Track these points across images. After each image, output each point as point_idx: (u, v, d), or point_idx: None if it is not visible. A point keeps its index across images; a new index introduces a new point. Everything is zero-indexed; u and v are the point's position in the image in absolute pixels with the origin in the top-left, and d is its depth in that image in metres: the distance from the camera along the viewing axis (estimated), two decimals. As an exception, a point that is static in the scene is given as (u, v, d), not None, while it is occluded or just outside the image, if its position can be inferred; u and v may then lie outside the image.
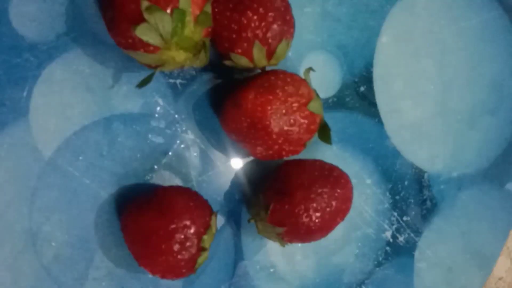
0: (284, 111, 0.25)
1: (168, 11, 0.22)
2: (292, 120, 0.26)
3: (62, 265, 0.27)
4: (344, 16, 0.32)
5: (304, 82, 0.27)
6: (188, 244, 0.24)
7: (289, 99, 0.26)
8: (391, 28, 0.33)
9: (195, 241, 0.25)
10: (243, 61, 0.26)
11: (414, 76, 0.35)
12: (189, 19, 0.23)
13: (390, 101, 0.34)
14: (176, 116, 0.29)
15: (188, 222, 0.25)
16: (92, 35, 0.27)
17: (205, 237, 0.25)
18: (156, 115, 0.28)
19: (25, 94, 0.26)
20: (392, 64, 0.34)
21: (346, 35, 0.33)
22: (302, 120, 0.26)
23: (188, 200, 0.26)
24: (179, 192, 0.26)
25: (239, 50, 0.26)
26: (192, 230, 0.25)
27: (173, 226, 0.24)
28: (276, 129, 0.25)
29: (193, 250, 0.25)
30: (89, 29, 0.27)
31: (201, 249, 0.25)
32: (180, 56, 0.24)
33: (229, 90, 0.27)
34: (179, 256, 0.24)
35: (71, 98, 0.27)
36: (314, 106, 0.26)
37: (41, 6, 0.26)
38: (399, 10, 0.34)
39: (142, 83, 0.25)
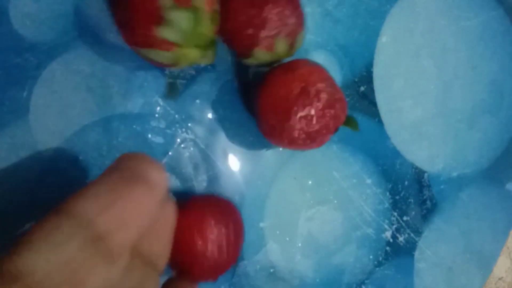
0: (330, 82, 0.26)
1: (186, 9, 0.22)
2: (337, 96, 0.26)
3: (62, 265, 0.27)
4: (344, 16, 0.32)
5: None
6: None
7: (328, 75, 0.27)
8: (391, 28, 0.33)
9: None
10: (267, 56, 0.26)
11: (414, 76, 0.35)
12: (204, 16, 0.23)
13: (390, 101, 0.34)
14: (176, 116, 0.29)
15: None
16: (92, 35, 0.27)
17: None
18: (156, 115, 0.28)
19: (25, 94, 0.26)
20: (392, 64, 0.34)
21: (346, 35, 0.33)
22: (342, 97, 0.27)
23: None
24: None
25: (262, 46, 0.26)
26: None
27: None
28: (325, 97, 0.25)
29: None
30: (89, 29, 0.27)
31: None
32: (193, 53, 0.24)
33: (229, 91, 0.27)
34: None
35: (71, 98, 0.27)
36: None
37: (41, 6, 0.26)
38: (399, 10, 0.34)
39: (171, 93, 0.25)
